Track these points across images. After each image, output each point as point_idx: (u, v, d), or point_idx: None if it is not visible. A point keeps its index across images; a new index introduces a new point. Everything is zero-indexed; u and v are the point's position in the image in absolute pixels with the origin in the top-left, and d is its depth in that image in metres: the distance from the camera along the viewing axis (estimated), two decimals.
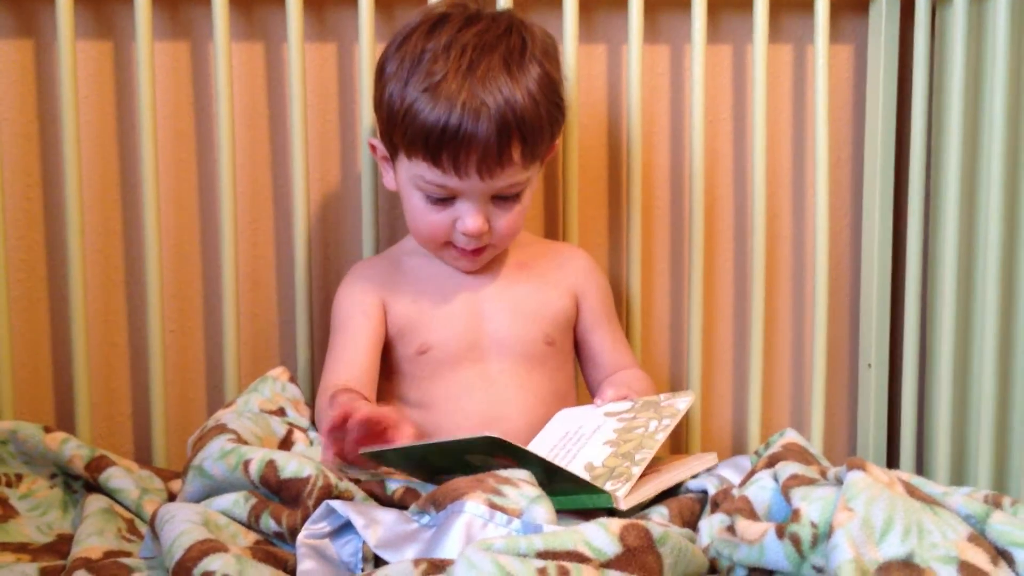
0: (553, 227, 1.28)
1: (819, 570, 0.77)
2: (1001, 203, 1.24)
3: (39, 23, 1.20)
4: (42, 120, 1.21)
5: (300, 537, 0.85)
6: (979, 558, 0.75)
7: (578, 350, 1.20)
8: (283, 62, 1.24)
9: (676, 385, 1.34)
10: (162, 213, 1.22)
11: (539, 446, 1.06)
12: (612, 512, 0.93)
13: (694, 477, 1.03)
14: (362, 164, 1.22)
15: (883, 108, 1.30)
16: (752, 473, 0.94)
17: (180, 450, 1.22)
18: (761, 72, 1.25)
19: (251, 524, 0.90)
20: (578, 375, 1.22)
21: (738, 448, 1.35)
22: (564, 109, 1.10)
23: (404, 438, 0.93)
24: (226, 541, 0.83)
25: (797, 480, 0.85)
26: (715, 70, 1.31)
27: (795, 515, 0.80)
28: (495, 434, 0.86)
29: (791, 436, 1.07)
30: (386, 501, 0.93)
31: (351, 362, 1.10)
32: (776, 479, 0.88)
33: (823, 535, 0.78)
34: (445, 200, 1.07)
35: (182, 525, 0.83)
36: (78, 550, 0.89)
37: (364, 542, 0.84)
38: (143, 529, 0.99)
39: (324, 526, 0.86)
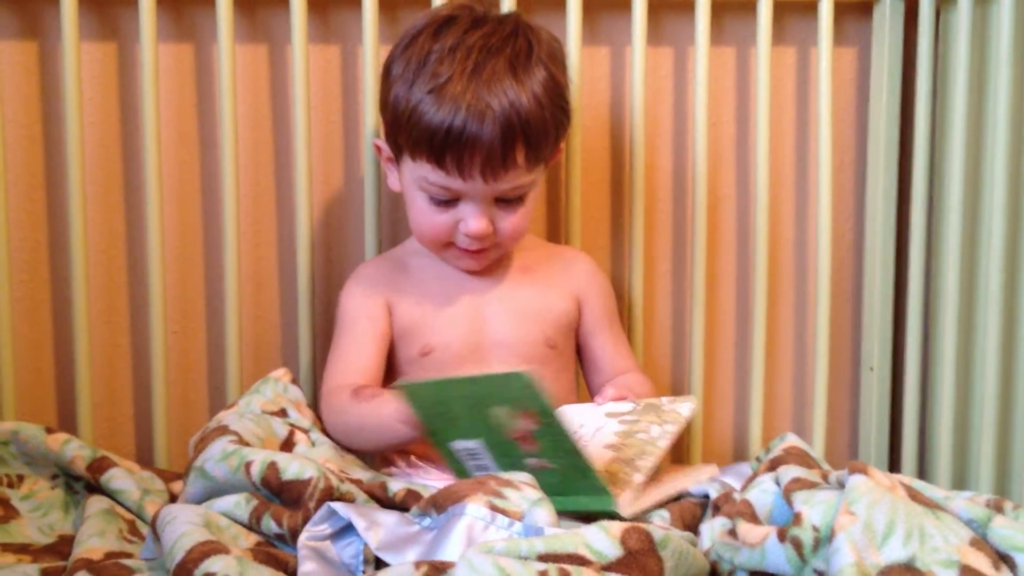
0: (555, 229, 1.28)
1: (820, 574, 0.77)
2: (1004, 207, 1.24)
3: (43, 25, 1.20)
4: (46, 122, 1.21)
5: (301, 539, 0.85)
6: (981, 562, 0.75)
7: (580, 354, 1.20)
8: (287, 64, 1.24)
9: (678, 388, 1.33)
10: (165, 214, 1.22)
11: None
12: (613, 516, 0.93)
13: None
14: (365, 166, 1.22)
15: (887, 111, 1.30)
16: (754, 477, 0.94)
17: (182, 451, 1.22)
18: (764, 75, 1.25)
19: (252, 526, 0.90)
20: (579, 379, 1.22)
21: (739, 450, 1.35)
22: (569, 113, 1.10)
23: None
24: (227, 543, 0.83)
25: (799, 484, 0.85)
26: (718, 73, 1.31)
27: (797, 519, 0.80)
28: (530, 372, 0.87)
29: (792, 440, 1.06)
30: (387, 503, 0.93)
31: (358, 364, 1.10)
32: (778, 483, 0.88)
33: (825, 539, 0.78)
34: (448, 202, 1.07)
35: (183, 526, 0.83)
36: (79, 551, 0.89)
37: (365, 544, 0.84)
38: (144, 530, 0.99)
39: (325, 528, 0.86)
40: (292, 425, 1.06)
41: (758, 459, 1.10)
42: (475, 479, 0.87)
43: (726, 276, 1.34)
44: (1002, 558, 0.77)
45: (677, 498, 1.01)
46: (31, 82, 1.21)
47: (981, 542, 0.77)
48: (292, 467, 0.91)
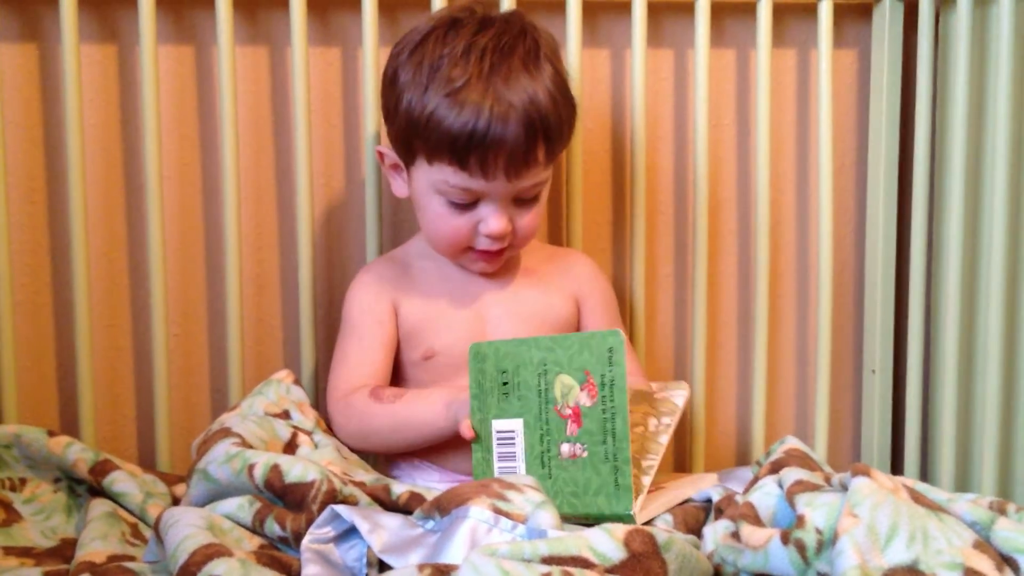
0: (557, 231, 1.28)
1: None
2: (1005, 208, 1.24)
3: (44, 27, 1.20)
4: (46, 124, 1.21)
5: (305, 542, 0.85)
6: (984, 564, 0.75)
7: None
8: (287, 66, 1.24)
9: None
10: (166, 217, 1.22)
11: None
12: (621, 520, 0.93)
13: None
14: (366, 168, 1.22)
15: (887, 113, 1.30)
16: (756, 480, 0.94)
17: (184, 454, 1.22)
18: (765, 77, 1.25)
19: (255, 528, 0.90)
20: None
21: (742, 453, 1.35)
22: (576, 107, 1.11)
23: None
24: (230, 545, 0.83)
25: (802, 486, 0.85)
26: (719, 75, 1.31)
27: (800, 521, 0.80)
28: (622, 336, 0.95)
29: (792, 443, 1.06)
30: (391, 506, 0.93)
31: (366, 367, 1.10)
32: (780, 485, 0.88)
33: (828, 541, 0.78)
34: (467, 204, 1.07)
35: (186, 529, 0.83)
36: (82, 554, 0.89)
37: (369, 547, 0.84)
38: (147, 533, 0.99)
39: (329, 531, 0.86)
40: (295, 427, 1.06)
41: (758, 463, 1.10)
42: (479, 482, 0.87)
43: (727, 278, 1.34)
44: (1005, 560, 0.77)
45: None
46: (31, 85, 1.21)
47: (984, 544, 0.77)
48: (295, 470, 0.91)
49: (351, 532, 0.86)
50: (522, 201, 1.08)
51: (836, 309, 1.33)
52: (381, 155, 1.13)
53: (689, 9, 1.25)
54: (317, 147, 1.25)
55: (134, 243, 1.24)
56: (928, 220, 1.29)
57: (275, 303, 1.27)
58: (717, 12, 1.28)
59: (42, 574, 0.89)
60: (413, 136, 1.06)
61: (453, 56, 1.04)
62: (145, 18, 1.15)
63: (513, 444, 0.98)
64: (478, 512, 0.82)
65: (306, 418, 1.09)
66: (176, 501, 1.07)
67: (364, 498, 0.92)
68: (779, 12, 1.29)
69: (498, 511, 0.82)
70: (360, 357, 1.11)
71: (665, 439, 1.01)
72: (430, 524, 0.85)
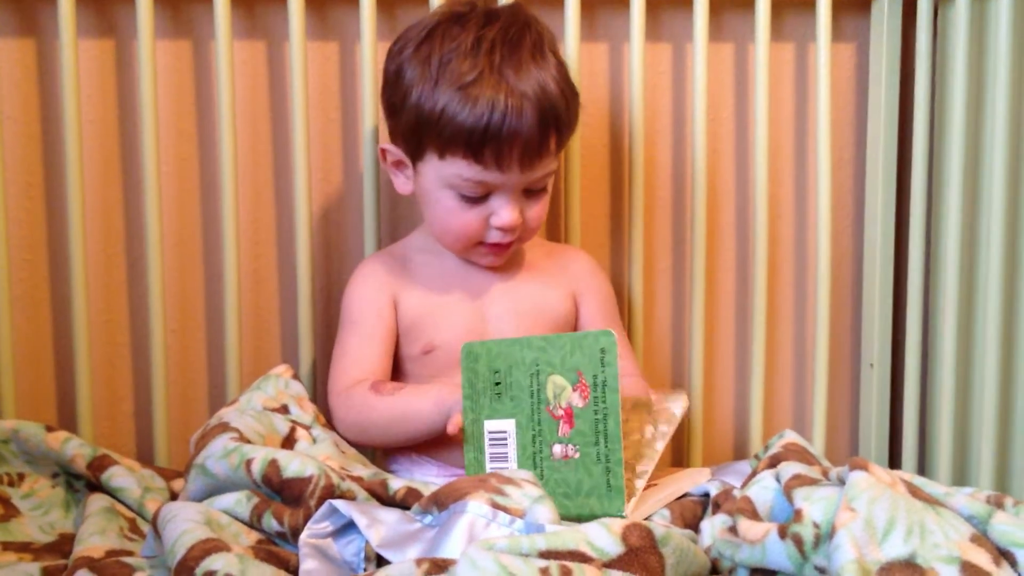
0: (555, 226, 1.28)
1: (821, 570, 0.77)
2: (1003, 203, 1.24)
3: (41, 22, 1.20)
4: (44, 119, 1.21)
5: (303, 537, 0.85)
6: (981, 558, 0.75)
7: None
8: (285, 61, 1.24)
9: (678, 384, 1.33)
10: (164, 212, 1.22)
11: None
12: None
13: None
14: (364, 162, 1.22)
15: (885, 107, 1.29)
16: (754, 474, 0.94)
17: (182, 449, 1.22)
18: (763, 71, 1.25)
19: (253, 523, 0.90)
20: None
21: (739, 447, 1.35)
22: (579, 96, 1.12)
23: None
24: (228, 540, 0.83)
25: (799, 480, 0.85)
26: (717, 69, 1.31)
27: (797, 515, 0.80)
28: (614, 336, 0.95)
29: (790, 437, 1.07)
30: (388, 501, 0.93)
31: (367, 362, 1.10)
32: (778, 479, 0.88)
33: (825, 535, 0.78)
34: (478, 198, 1.07)
35: (184, 524, 0.83)
36: (80, 549, 0.89)
37: (367, 542, 0.84)
38: (145, 528, 0.99)
39: (327, 526, 0.86)
40: (293, 421, 1.06)
41: (756, 457, 1.10)
42: (476, 477, 0.87)
43: (726, 273, 1.34)
44: (1003, 554, 0.77)
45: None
46: (29, 80, 1.21)
47: (982, 538, 0.77)
48: (293, 465, 0.91)
49: (349, 527, 0.86)
50: (531, 192, 1.09)
51: (834, 303, 1.33)
52: (383, 152, 1.13)
53: (687, 3, 1.25)
54: (315, 142, 1.25)
55: (132, 238, 1.24)
56: (926, 214, 1.29)
57: (273, 298, 1.27)
58: (715, 6, 1.28)
59: (40, 569, 0.89)
60: (423, 131, 1.06)
61: (462, 50, 1.04)
62: (143, 13, 1.15)
63: (505, 445, 0.98)
64: (476, 507, 0.82)
65: (305, 413, 1.09)
66: (174, 496, 1.07)
67: (362, 493, 0.92)
68: (777, 6, 1.29)
69: (496, 506, 0.82)
70: (360, 351, 1.11)
71: (661, 445, 1.01)
72: (428, 519, 0.85)
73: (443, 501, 0.84)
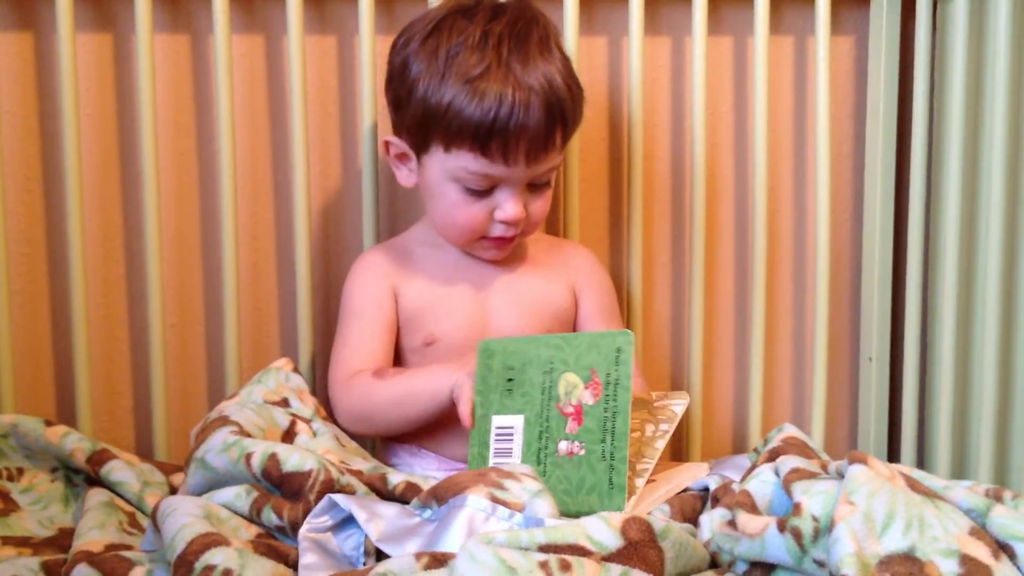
0: (554, 220, 1.28)
1: (820, 564, 0.77)
2: (1002, 197, 1.24)
3: (39, 16, 1.20)
4: (42, 113, 1.21)
5: (302, 531, 0.85)
6: (980, 551, 0.75)
7: None
8: (283, 55, 1.24)
9: (677, 379, 1.33)
10: (162, 206, 1.22)
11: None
12: None
13: None
14: (363, 157, 1.21)
15: (884, 101, 1.29)
16: (753, 468, 0.94)
17: (181, 444, 1.22)
18: (762, 65, 1.25)
19: (253, 518, 0.90)
20: None
21: (739, 441, 1.35)
22: (583, 91, 1.12)
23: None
24: (228, 535, 0.83)
25: (798, 474, 0.85)
26: (716, 62, 1.30)
27: (796, 509, 0.80)
28: (631, 336, 0.96)
29: (790, 431, 1.07)
30: (388, 495, 0.93)
31: (368, 352, 1.10)
32: (777, 473, 0.88)
33: (824, 529, 0.78)
34: (483, 192, 1.07)
35: (184, 518, 0.83)
36: (79, 543, 0.90)
37: (366, 536, 0.84)
38: (144, 522, 0.99)
39: (326, 520, 0.86)
40: (294, 415, 1.06)
41: (756, 450, 1.10)
42: (476, 471, 0.87)
43: (725, 267, 1.34)
44: (1001, 547, 0.77)
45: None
46: (27, 73, 1.20)
47: (981, 531, 0.77)
48: (292, 459, 0.91)
49: (348, 521, 0.86)
50: (535, 186, 1.10)
51: (833, 297, 1.33)
52: (387, 145, 1.13)
53: None
54: (313, 136, 1.24)
55: (130, 233, 1.24)
56: (925, 208, 1.29)
57: (272, 292, 1.27)
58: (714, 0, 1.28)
59: (39, 564, 0.89)
60: (430, 124, 1.06)
61: (470, 43, 1.04)
62: (141, 7, 1.15)
63: (511, 440, 0.98)
64: (475, 501, 0.82)
65: (305, 406, 1.09)
66: (173, 490, 1.07)
67: (361, 487, 0.92)
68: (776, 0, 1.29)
69: (495, 500, 0.82)
70: (361, 341, 1.11)
71: (661, 444, 1.01)
72: (427, 513, 0.85)
73: (442, 495, 0.84)
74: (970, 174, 1.27)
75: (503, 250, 1.13)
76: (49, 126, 1.21)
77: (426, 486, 0.91)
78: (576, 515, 0.92)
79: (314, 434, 1.05)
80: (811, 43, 1.31)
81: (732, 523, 0.86)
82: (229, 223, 1.19)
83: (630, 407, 0.95)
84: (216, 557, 0.78)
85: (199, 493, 0.95)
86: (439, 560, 0.74)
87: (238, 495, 0.91)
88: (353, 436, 1.10)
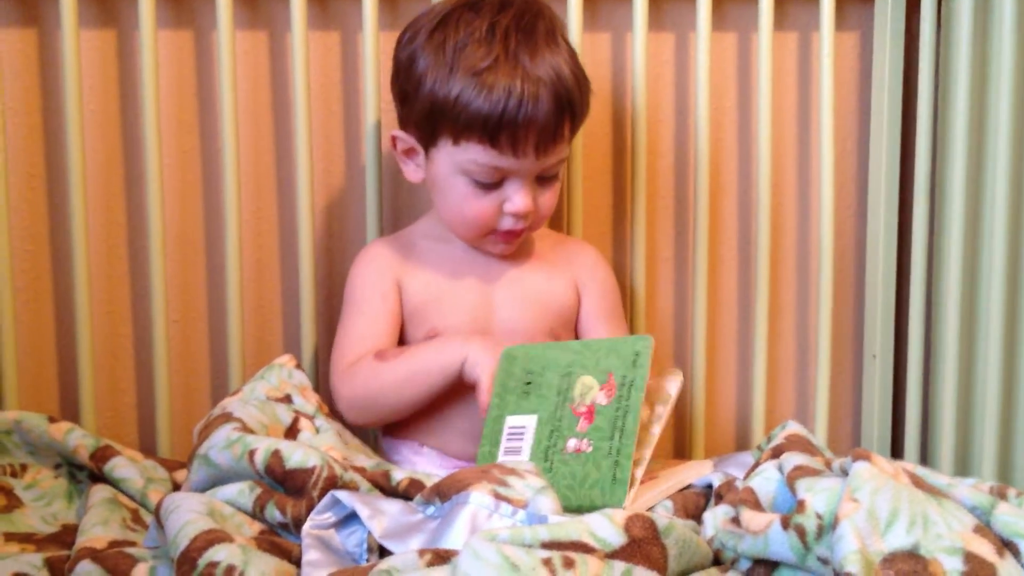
0: (558, 215, 1.28)
1: (824, 561, 0.77)
2: (1007, 194, 1.24)
3: (43, 12, 1.20)
4: (46, 110, 1.21)
5: (305, 527, 0.85)
6: (984, 549, 0.75)
7: None
8: (287, 51, 1.24)
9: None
10: (166, 203, 1.22)
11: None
12: None
13: None
14: (366, 153, 1.21)
15: (889, 97, 1.29)
16: (756, 465, 0.94)
17: (184, 440, 1.22)
18: (766, 60, 1.25)
19: (256, 514, 0.90)
20: None
21: (742, 438, 1.35)
22: (590, 83, 1.12)
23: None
24: (231, 531, 0.83)
25: (802, 471, 0.85)
26: (720, 58, 1.30)
27: (800, 506, 0.80)
28: (651, 341, 0.98)
29: (793, 428, 1.06)
30: (391, 492, 0.93)
31: (370, 341, 1.10)
32: (781, 470, 0.88)
33: (828, 526, 0.78)
34: (492, 185, 1.07)
35: (187, 515, 0.83)
36: (83, 540, 0.90)
37: (369, 532, 0.84)
38: (148, 519, 0.99)
39: (329, 516, 0.86)
40: (296, 411, 1.06)
41: (759, 447, 1.10)
42: (479, 468, 0.87)
43: (728, 263, 1.34)
44: (1005, 544, 0.77)
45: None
46: (31, 70, 1.20)
47: (985, 529, 0.77)
48: (296, 455, 0.91)
49: (352, 518, 0.86)
50: (544, 179, 1.10)
51: (837, 294, 1.33)
52: (394, 140, 1.13)
53: None
54: (317, 132, 1.24)
55: (134, 229, 1.24)
56: (929, 204, 1.29)
57: (275, 289, 1.27)
58: None
59: (43, 560, 0.89)
60: (437, 118, 1.06)
61: (477, 36, 1.05)
62: (144, 3, 1.15)
63: (521, 439, 0.99)
64: (478, 498, 0.82)
65: (308, 403, 1.09)
66: (177, 487, 1.07)
67: (364, 484, 0.92)
68: None
69: (499, 496, 0.82)
70: (363, 330, 1.11)
71: (657, 430, 1.01)
72: (430, 510, 0.85)
73: (445, 492, 0.84)
74: (974, 170, 1.27)
75: (511, 244, 1.13)
76: (53, 123, 1.21)
77: (429, 483, 0.91)
78: (578, 509, 0.93)
79: (317, 431, 1.05)
80: (815, 39, 1.31)
81: (736, 520, 0.86)
82: (232, 220, 1.19)
83: (640, 405, 0.95)
84: (219, 554, 0.78)
85: (202, 490, 0.95)
86: (442, 557, 0.74)
87: (241, 492, 0.91)
88: (355, 430, 1.10)
